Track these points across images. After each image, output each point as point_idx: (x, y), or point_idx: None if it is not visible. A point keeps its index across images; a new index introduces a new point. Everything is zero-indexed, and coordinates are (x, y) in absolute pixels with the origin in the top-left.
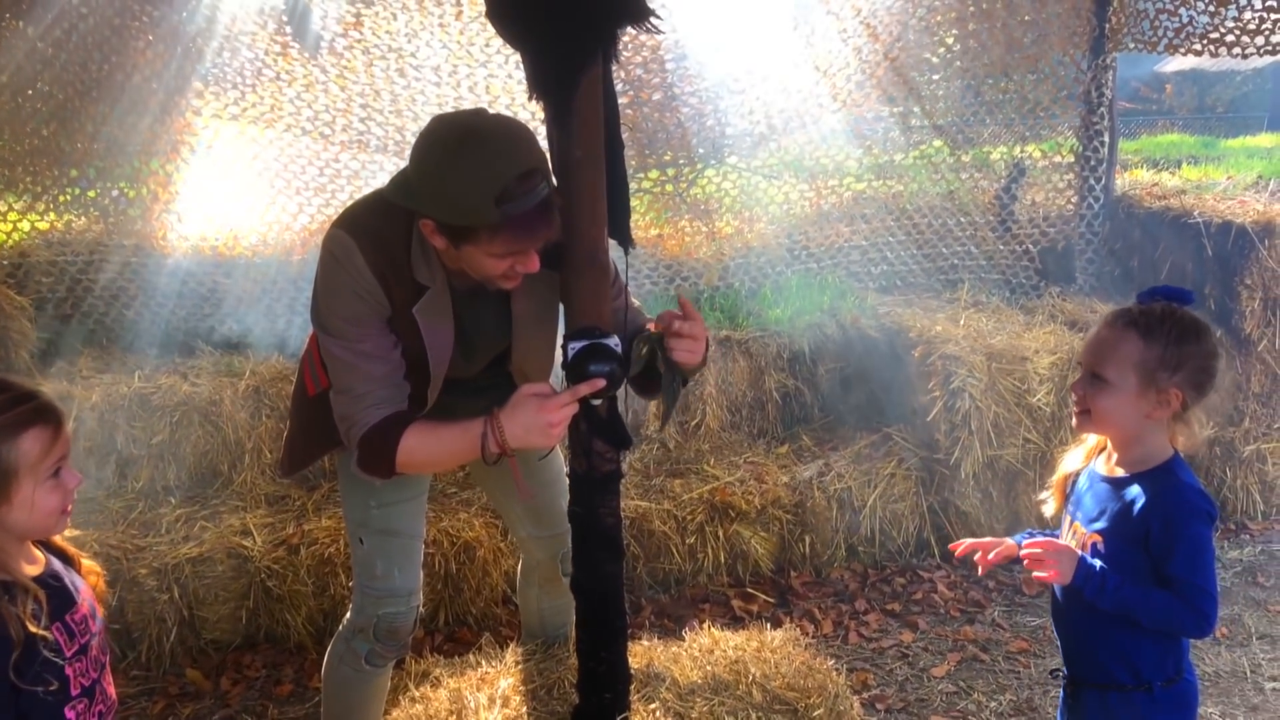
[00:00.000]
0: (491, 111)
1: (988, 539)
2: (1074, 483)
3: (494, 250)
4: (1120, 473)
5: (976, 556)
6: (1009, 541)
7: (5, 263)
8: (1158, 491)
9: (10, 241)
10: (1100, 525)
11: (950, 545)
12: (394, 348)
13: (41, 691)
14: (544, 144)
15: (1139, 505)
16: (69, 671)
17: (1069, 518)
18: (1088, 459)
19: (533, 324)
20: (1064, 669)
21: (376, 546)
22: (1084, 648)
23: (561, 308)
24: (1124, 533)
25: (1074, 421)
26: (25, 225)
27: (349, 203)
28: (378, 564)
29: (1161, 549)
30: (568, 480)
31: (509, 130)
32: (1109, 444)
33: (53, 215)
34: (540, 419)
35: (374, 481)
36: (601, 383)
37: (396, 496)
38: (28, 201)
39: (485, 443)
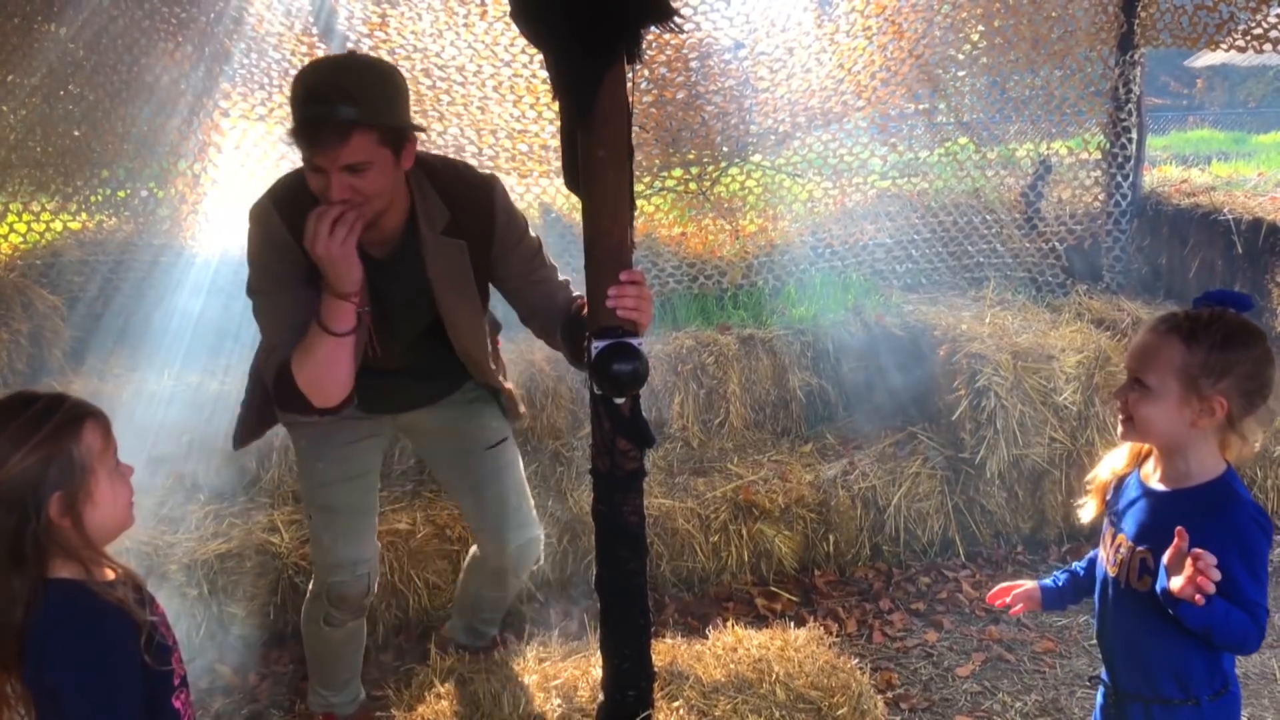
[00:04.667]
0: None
1: (1014, 585)
2: (1115, 489)
3: (303, 153)
4: (1170, 486)
5: (1006, 600)
6: (1033, 585)
7: (38, 262)
8: (1215, 510)
9: (43, 241)
10: (1151, 542)
11: (989, 599)
12: (310, 302)
13: (162, 673)
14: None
15: (1195, 523)
16: (172, 661)
17: (1112, 529)
18: (1130, 464)
19: (453, 292)
20: (1105, 676)
21: (321, 522)
22: (1132, 660)
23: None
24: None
25: (1119, 430)
26: (58, 225)
27: None
28: (324, 537)
29: (1223, 570)
30: (524, 480)
31: (356, 62)
32: (1155, 452)
33: (84, 215)
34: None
35: (331, 452)
36: (340, 208)
37: (336, 476)
38: (59, 202)
39: (321, 310)
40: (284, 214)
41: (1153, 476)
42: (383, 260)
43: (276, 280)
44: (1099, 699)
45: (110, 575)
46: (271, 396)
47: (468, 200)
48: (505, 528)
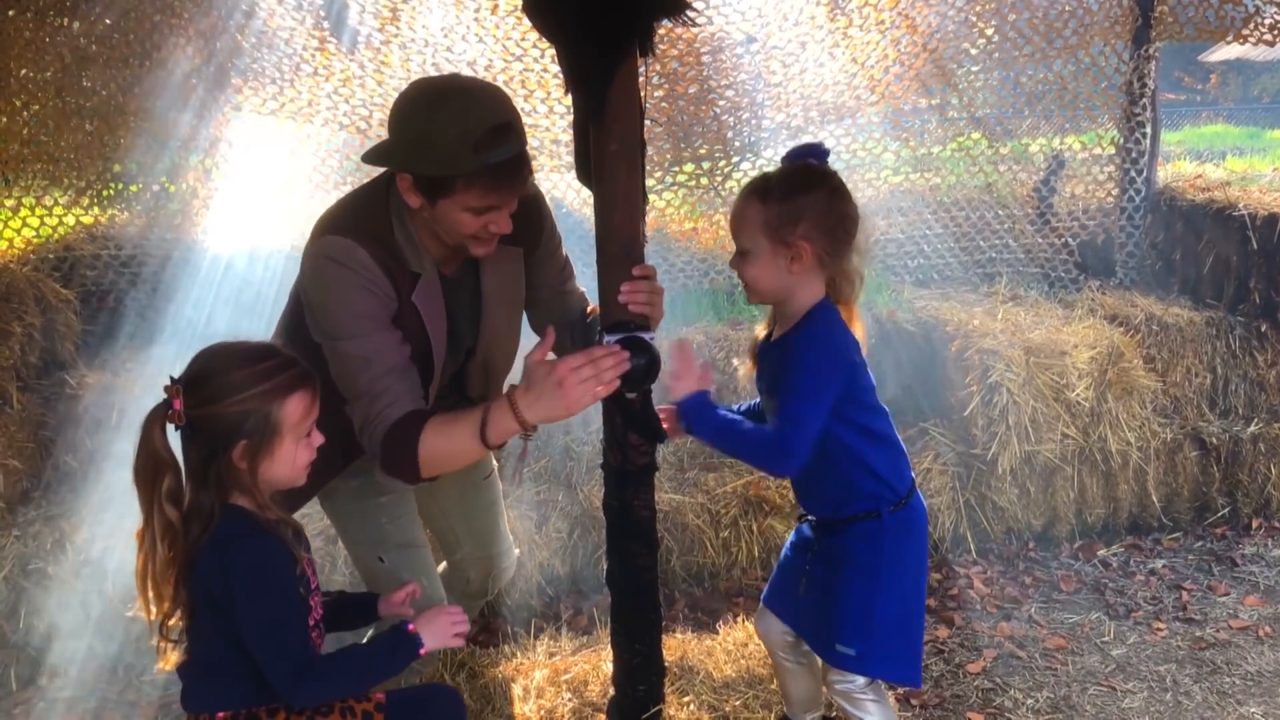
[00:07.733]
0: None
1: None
2: (762, 352)
3: (470, 203)
4: (779, 334)
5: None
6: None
7: (51, 256)
8: (796, 337)
9: (56, 236)
10: (771, 389)
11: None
12: (402, 343)
13: (305, 605)
14: (575, 135)
15: (786, 357)
16: (312, 601)
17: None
18: (766, 328)
19: (504, 302)
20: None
21: (400, 561)
22: (807, 489)
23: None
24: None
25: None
26: (70, 219)
27: None
28: (405, 578)
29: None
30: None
31: (486, 88)
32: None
33: (96, 210)
34: (550, 380)
35: (395, 485)
36: (625, 354)
37: (404, 509)
38: (72, 196)
39: (491, 419)
40: (369, 248)
41: (774, 332)
42: (452, 276)
43: (371, 322)
44: (793, 534)
45: (273, 516)
46: (375, 454)
47: (519, 205)
48: (498, 553)
